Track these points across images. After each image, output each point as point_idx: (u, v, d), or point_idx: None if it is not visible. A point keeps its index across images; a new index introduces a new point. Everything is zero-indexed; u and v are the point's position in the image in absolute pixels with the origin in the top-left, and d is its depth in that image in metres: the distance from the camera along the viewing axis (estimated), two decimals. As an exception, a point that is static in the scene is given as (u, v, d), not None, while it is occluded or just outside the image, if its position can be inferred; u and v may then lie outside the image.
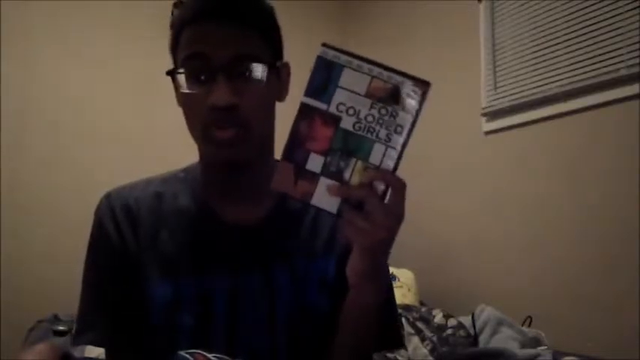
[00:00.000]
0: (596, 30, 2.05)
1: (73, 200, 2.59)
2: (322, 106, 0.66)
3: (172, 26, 0.86)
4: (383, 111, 0.66)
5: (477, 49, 2.55)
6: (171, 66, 0.86)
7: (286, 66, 0.90)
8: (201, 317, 0.84)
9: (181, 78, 0.81)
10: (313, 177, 0.67)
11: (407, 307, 2.15)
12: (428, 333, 2.00)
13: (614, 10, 1.99)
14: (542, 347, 1.82)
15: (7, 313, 2.47)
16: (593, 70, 2.05)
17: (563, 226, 2.16)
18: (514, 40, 2.39)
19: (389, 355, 1.84)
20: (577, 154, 2.14)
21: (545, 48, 2.24)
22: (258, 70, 0.81)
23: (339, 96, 0.66)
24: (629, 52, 1.94)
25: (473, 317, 2.02)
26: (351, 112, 0.66)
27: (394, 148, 0.66)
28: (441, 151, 2.73)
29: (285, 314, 0.86)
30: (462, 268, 2.59)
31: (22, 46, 2.70)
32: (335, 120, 0.66)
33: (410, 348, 1.94)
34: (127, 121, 2.85)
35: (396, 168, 0.67)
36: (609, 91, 2.01)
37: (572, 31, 2.13)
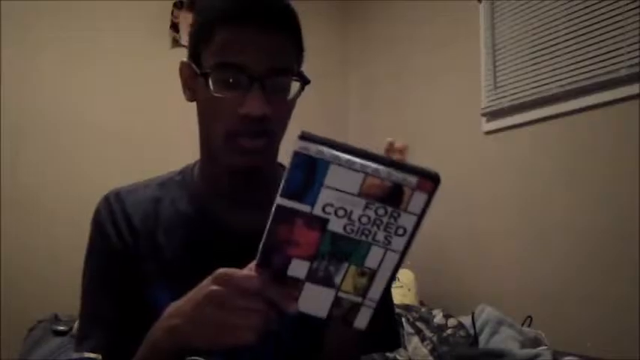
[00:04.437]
0: (596, 30, 2.05)
1: (73, 200, 2.59)
2: (305, 208, 0.57)
3: (201, 16, 0.83)
4: (381, 211, 0.57)
5: (477, 49, 2.55)
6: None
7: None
8: None
9: (209, 80, 0.79)
10: (297, 283, 0.61)
11: (407, 307, 2.15)
12: (428, 333, 2.00)
13: (614, 10, 1.99)
14: (542, 347, 1.82)
15: (7, 313, 2.47)
16: (593, 70, 2.05)
17: (563, 226, 2.16)
18: (514, 40, 2.39)
19: (389, 355, 1.84)
20: (577, 154, 2.14)
21: (545, 48, 2.24)
22: (290, 84, 0.81)
23: (326, 196, 0.56)
24: (629, 52, 1.94)
25: (473, 317, 2.02)
26: (340, 213, 0.57)
27: (395, 251, 0.59)
28: (441, 151, 2.73)
29: (290, 319, 0.85)
30: (462, 268, 2.59)
31: (22, 46, 2.70)
32: (321, 223, 0.58)
33: (410, 348, 1.94)
34: (127, 121, 2.85)
35: (395, 273, 0.60)
36: (609, 91, 2.01)
37: (572, 31, 2.13)
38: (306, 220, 0.58)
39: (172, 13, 2.92)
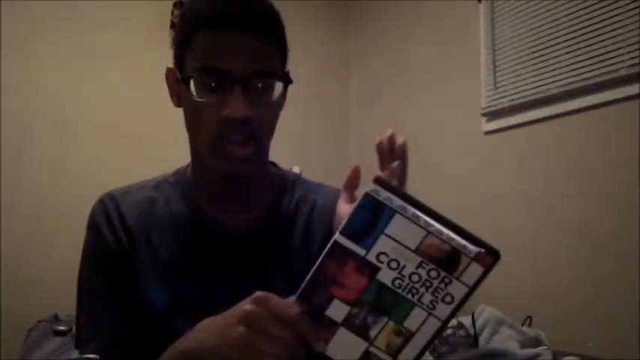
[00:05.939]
0: (596, 30, 2.05)
1: (73, 201, 2.58)
2: (360, 251, 0.56)
3: (184, 21, 0.82)
4: (433, 274, 0.56)
5: (477, 49, 2.55)
6: (167, 64, 0.85)
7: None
8: (199, 322, 0.83)
9: (191, 84, 0.78)
10: (331, 325, 0.59)
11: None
12: (428, 333, 1.99)
13: (614, 10, 1.99)
14: (542, 347, 1.82)
15: (7, 313, 2.47)
16: (593, 70, 2.05)
17: (563, 226, 2.16)
18: (514, 40, 2.39)
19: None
20: (577, 154, 2.14)
21: (545, 48, 2.24)
22: (274, 86, 0.80)
23: (383, 245, 0.56)
24: (629, 52, 1.94)
25: (473, 317, 2.02)
26: (393, 265, 0.56)
27: (438, 318, 0.58)
28: (441, 151, 2.73)
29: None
30: (462, 268, 2.59)
31: (22, 47, 2.70)
32: (372, 270, 0.57)
33: (410, 348, 1.94)
34: (126, 121, 2.85)
35: (433, 340, 0.59)
36: (609, 91, 2.01)
37: (572, 31, 2.13)
38: (358, 264, 0.57)
39: (172, 13, 2.92)
